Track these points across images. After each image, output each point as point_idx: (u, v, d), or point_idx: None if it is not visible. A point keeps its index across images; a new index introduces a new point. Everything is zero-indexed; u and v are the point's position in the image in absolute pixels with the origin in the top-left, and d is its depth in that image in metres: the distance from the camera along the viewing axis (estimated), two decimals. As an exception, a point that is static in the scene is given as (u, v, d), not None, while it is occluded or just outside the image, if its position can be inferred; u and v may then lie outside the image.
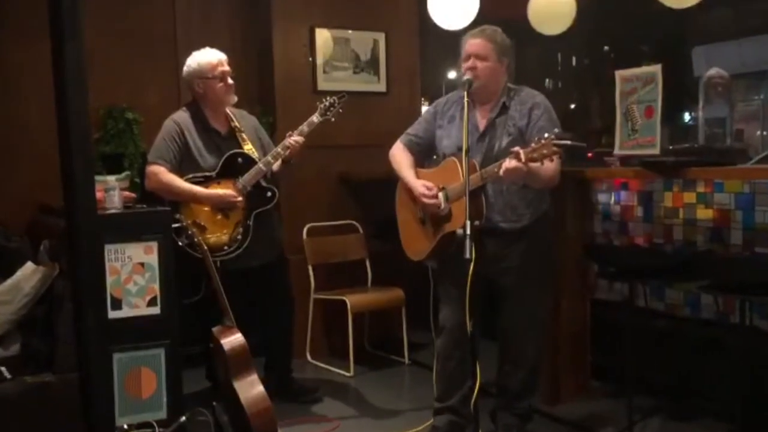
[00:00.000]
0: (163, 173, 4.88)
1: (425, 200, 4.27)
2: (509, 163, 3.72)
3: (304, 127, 4.99)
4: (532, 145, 3.68)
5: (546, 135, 3.65)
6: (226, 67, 5.03)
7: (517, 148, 3.73)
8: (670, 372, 4.95)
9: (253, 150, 5.06)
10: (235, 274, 4.86)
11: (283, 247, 5.41)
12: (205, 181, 4.94)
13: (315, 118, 5.02)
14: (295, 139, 4.94)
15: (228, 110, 5.12)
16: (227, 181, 4.96)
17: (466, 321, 3.54)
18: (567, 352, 5.09)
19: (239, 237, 4.94)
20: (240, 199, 4.93)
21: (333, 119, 5.07)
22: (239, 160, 4.98)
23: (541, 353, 4.58)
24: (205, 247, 4.52)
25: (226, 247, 4.92)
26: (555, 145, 3.59)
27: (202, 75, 5.00)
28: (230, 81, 5.03)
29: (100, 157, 5.64)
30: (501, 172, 3.78)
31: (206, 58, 5.02)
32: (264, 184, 5.03)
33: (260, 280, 5.17)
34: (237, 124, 5.11)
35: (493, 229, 4.16)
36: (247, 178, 4.94)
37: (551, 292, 4.73)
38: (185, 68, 5.07)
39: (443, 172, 4.27)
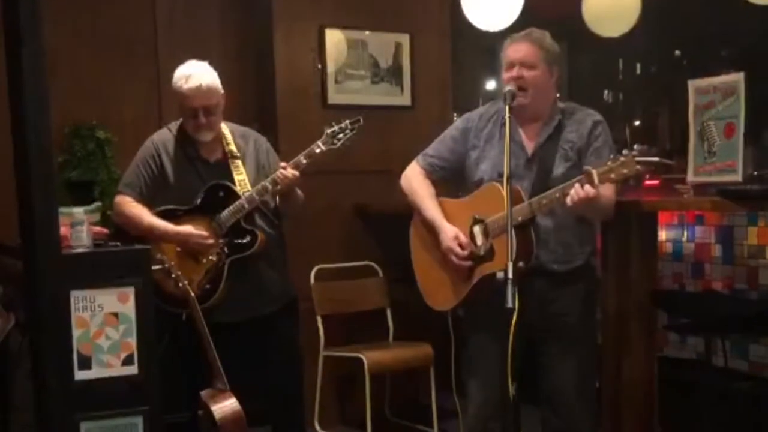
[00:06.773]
0: (126, 204, 4.86)
1: (454, 260, 4.22)
2: (583, 188, 3.68)
3: (302, 159, 4.77)
4: (608, 164, 3.64)
5: (624, 151, 3.57)
6: (196, 104, 4.76)
7: (587, 168, 3.72)
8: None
9: (247, 182, 4.88)
10: (221, 328, 4.73)
11: (287, 296, 5.18)
12: (175, 216, 4.84)
13: (317, 147, 4.79)
14: (290, 171, 4.72)
15: (225, 128, 4.98)
16: (203, 217, 4.83)
17: (506, 384, 3.50)
18: (630, 420, 5.03)
19: (208, 287, 4.79)
20: (210, 241, 4.79)
21: (342, 148, 4.87)
22: (220, 193, 4.83)
23: (597, 422, 4.54)
24: (193, 294, 4.52)
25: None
26: (638, 162, 3.53)
27: (176, 99, 4.85)
28: (202, 120, 4.79)
29: (65, 185, 5.65)
30: (569, 200, 3.74)
31: (178, 83, 4.79)
32: (244, 225, 4.82)
33: (253, 337, 4.98)
34: (233, 147, 4.95)
35: (539, 269, 4.11)
36: (224, 217, 4.78)
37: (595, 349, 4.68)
38: None
39: (481, 200, 4.22)
